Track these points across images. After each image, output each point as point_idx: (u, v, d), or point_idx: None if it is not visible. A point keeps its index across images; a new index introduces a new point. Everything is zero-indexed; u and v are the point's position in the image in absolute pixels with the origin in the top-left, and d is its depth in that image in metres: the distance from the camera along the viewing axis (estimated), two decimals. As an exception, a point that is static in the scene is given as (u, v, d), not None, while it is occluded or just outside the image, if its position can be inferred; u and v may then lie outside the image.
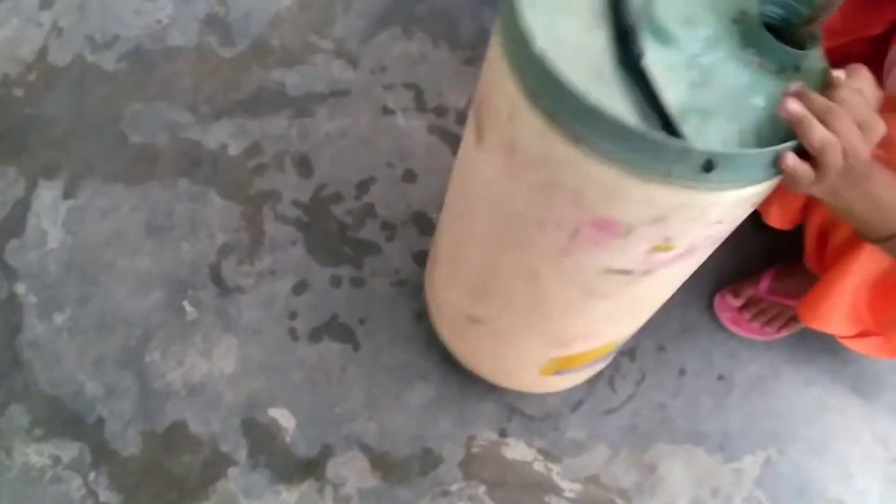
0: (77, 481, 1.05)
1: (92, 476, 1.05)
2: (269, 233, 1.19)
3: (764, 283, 1.12)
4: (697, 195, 0.58)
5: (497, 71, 0.63)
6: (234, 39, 1.35)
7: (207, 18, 1.37)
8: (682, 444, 1.09)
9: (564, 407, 1.10)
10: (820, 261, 0.94)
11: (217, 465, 1.06)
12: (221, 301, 1.15)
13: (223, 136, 1.26)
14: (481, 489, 1.05)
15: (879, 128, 0.55)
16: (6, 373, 1.10)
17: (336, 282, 1.16)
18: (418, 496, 1.04)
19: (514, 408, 1.09)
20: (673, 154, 0.54)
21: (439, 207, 0.92)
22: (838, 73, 0.55)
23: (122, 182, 1.23)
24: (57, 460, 1.06)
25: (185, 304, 1.15)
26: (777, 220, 0.97)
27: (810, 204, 0.93)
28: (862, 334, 0.95)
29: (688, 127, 0.55)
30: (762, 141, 0.56)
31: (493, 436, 1.08)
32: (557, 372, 0.97)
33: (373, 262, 1.18)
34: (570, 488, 1.06)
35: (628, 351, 1.13)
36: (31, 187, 1.22)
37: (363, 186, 1.23)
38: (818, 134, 0.52)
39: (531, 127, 0.60)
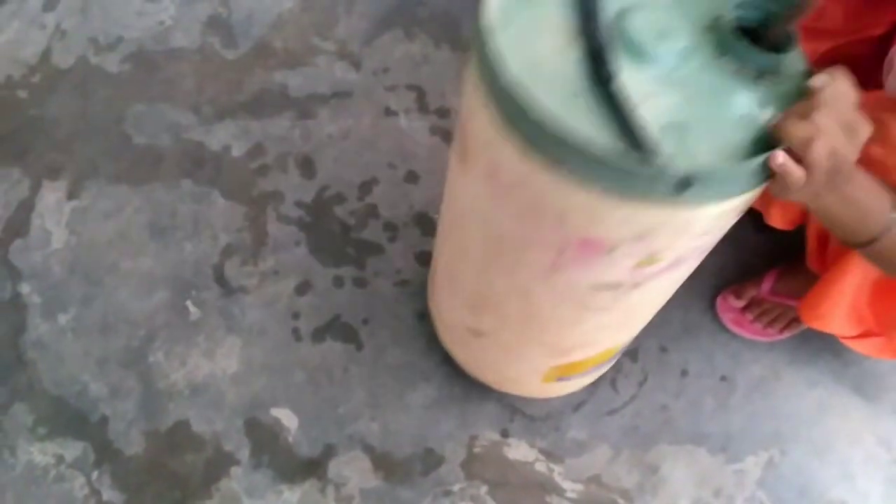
0: (80, 480, 1.05)
1: (95, 475, 1.05)
2: (272, 233, 1.20)
3: (766, 284, 1.12)
4: (678, 212, 0.58)
5: (473, 97, 0.63)
6: (236, 41, 1.35)
7: (210, 20, 1.37)
8: (684, 445, 1.09)
9: (566, 407, 1.10)
10: (821, 261, 0.94)
11: (220, 464, 1.06)
12: (225, 301, 1.15)
13: (226, 138, 1.27)
14: (483, 489, 1.05)
15: (863, 129, 0.54)
16: (10, 372, 1.10)
17: (339, 282, 1.17)
18: (420, 496, 1.05)
19: (515, 408, 1.10)
20: (647, 176, 0.54)
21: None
22: (818, 78, 0.55)
23: (126, 183, 1.23)
24: (60, 459, 1.06)
25: (189, 304, 1.15)
26: (778, 220, 0.97)
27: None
28: (864, 335, 0.95)
29: (665, 144, 0.55)
30: (742, 152, 0.56)
31: (495, 436, 1.08)
32: (559, 379, 0.98)
33: (375, 262, 1.18)
34: (571, 489, 1.06)
35: (630, 352, 1.13)
36: (35, 188, 1.23)
37: (365, 187, 1.23)
38: (802, 129, 0.52)
39: (509, 153, 0.60)
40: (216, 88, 1.31)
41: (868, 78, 0.78)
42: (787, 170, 0.53)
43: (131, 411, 1.09)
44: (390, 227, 1.20)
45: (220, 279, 1.17)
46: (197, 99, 1.30)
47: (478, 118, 0.63)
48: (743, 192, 0.58)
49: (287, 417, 1.09)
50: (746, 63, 0.58)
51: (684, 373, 1.13)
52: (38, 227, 1.20)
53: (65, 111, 1.29)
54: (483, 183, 0.69)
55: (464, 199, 0.76)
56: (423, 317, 1.14)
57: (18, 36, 1.35)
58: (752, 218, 0.90)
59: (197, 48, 1.34)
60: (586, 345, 0.88)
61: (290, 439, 1.08)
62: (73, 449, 1.07)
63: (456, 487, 1.05)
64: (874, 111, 0.72)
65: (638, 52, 0.58)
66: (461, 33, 1.36)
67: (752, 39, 0.58)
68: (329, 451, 1.07)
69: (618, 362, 1.12)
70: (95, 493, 1.04)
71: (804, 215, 0.96)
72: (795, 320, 1.11)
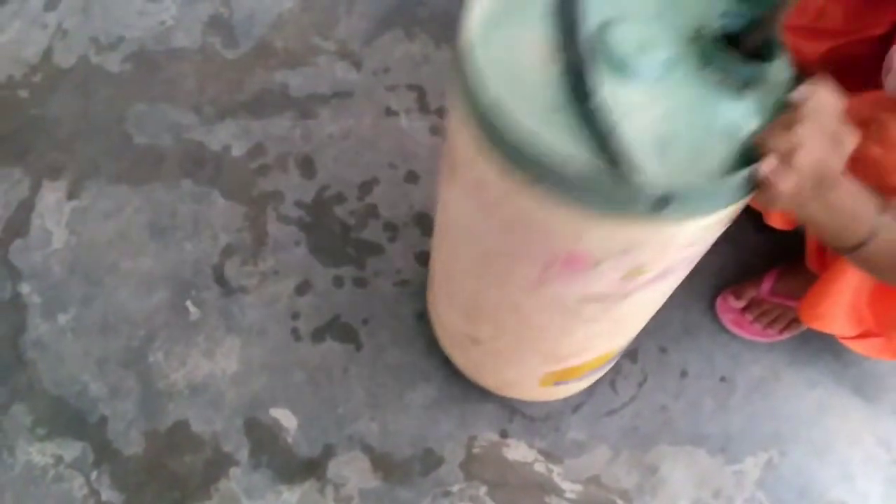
0: (79, 480, 1.05)
1: (94, 475, 1.05)
2: (272, 233, 1.20)
3: (766, 285, 1.12)
4: (661, 227, 0.58)
5: (456, 114, 0.63)
6: (237, 41, 1.35)
7: (211, 20, 1.37)
8: (684, 446, 1.09)
9: (565, 408, 1.10)
10: (821, 261, 0.94)
11: (219, 464, 1.06)
12: (224, 301, 1.15)
13: (227, 137, 1.27)
14: (482, 490, 1.05)
15: (849, 139, 0.54)
16: (10, 372, 1.10)
17: (339, 282, 1.17)
18: (419, 496, 1.05)
19: (515, 409, 1.10)
20: (625, 194, 0.54)
21: (441, 208, 0.92)
22: (800, 90, 0.54)
23: (126, 183, 1.23)
24: (59, 459, 1.06)
25: (189, 304, 1.15)
26: (778, 220, 0.97)
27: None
28: (863, 335, 0.95)
29: (646, 160, 0.54)
30: (725, 166, 0.55)
31: (495, 436, 1.08)
32: (557, 383, 0.98)
33: (375, 262, 1.18)
34: (570, 489, 1.06)
35: (630, 352, 1.13)
36: (36, 188, 1.23)
37: (366, 187, 1.23)
38: (785, 142, 0.52)
39: (491, 171, 0.60)
40: (217, 88, 1.31)
41: (868, 78, 0.78)
42: (771, 183, 0.52)
43: (131, 411, 1.09)
44: (390, 227, 1.20)
45: (220, 279, 1.17)
46: (198, 99, 1.30)
47: (461, 135, 0.63)
48: (728, 205, 0.58)
49: (286, 418, 1.09)
50: (730, 73, 0.57)
51: (684, 373, 1.13)
52: (38, 226, 1.20)
53: (66, 111, 1.29)
54: (469, 197, 0.69)
55: (453, 211, 0.76)
56: (423, 317, 1.14)
57: (20, 35, 1.35)
58: (751, 218, 0.90)
59: (198, 48, 1.35)
60: (581, 352, 0.88)
61: (290, 439, 1.07)
62: (73, 449, 1.07)
63: (455, 488, 1.05)
64: (873, 111, 0.72)
65: (619, 66, 0.57)
66: (461, 34, 1.36)
67: (737, 48, 0.57)
68: (328, 452, 1.07)
69: (617, 363, 1.12)
70: (94, 493, 1.04)
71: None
72: (795, 321, 1.10)
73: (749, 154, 0.55)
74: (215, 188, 1.23)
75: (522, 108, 0.56)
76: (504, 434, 1.09)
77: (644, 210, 0.54)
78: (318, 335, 1.14)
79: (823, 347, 1.13)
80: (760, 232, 1.06)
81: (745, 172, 0.53)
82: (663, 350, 1.14)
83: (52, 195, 1.22)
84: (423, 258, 1.18)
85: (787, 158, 0.52)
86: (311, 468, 1.06)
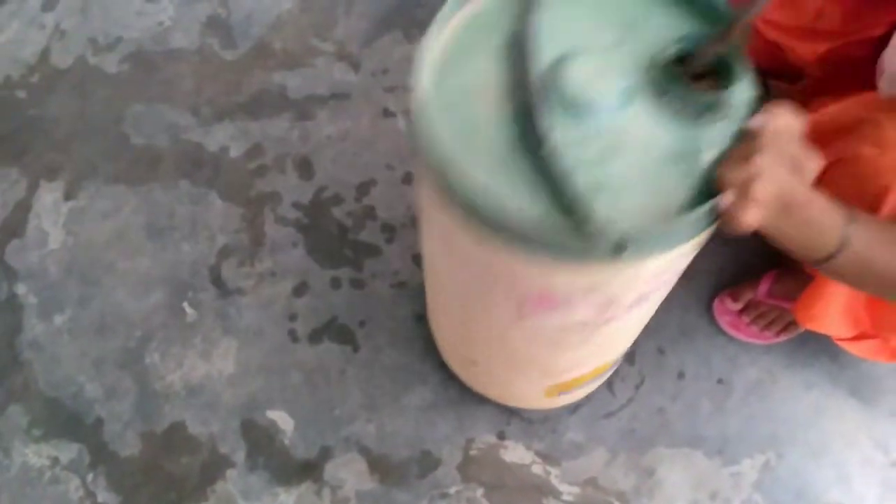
0: (75, 482, 1.05)
1: (90, 477, 1.05)
2: (269, 234, 1.20)
3: (763, 287, 1.12)
4: (621, 269, 0.57)
5: (417, 163, 0.62)
6: (235, 42, 1.35)
7: (209, 21, 1.37)
8: (681, 448, 1.09)
9: (563, 410, 1.10)
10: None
11: (216, 466, 1.06)
12: (221, 303, 1.15)
13: (224, 138, 1.27)
14: (479, 492, 1.05)
15: (810, 163, 0.53)
16: (6, 373, 1.10)
17: (336, 283, 1.17)
18: (416, 499, 1.04)
19: (512, 411, 1.09)
20: (581, 244, 0.53)
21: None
22: (756, 119, 0.53)
23: (124, 183, 1.23)
24: (55, 461, 1.06)
25: (186, 305, 1.15)
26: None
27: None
28: (859, 337, 0.95)
29: (601, 203, 0.53)
30: (684, 201, 0.54)
31: (492, 438, 1.08)
32: (561, 393, 0.99)
33: (373, 264, 1.18)
34: (568, 491, 1.06)
35: (627, 355, 1.13)
36: (33, 188, 1.22)
37: (363, 188, 1.23)
38: (743, 174, 0.51)
39: (452, 221, 0.59)
40: (215, 89, 1.31)
41: (866, 79, 0.78)
42: (732, 216, 0.52)
43: (127, 413, 1.09)
44: (388, 229, 1.20)
45: (217, 280, 1.16)
46: (195, 100, 1.30)
47: (422, 185, 0.62)
48: (690, 238, 0.56)
49: (283, 419, 1.08)
50: (688, 101, 0.56)
51: (681, 375, 1.13)
52: (34, 227, 1.20)
53: (63, 111, 1.29)
54: (438, 243, 0.69)
55: (428, 250, 0.76)
56: (421, 319, 1.14)
57: (18, 36, 1.35)
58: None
59: (196, 49, 1.34)
60: (576, 367, 0.88)
61: (287, 441, 1.07)
62: (69, 451, 1.06)
63: (452, 490, 1.05)
64: (868, 111, 0.72)
65: (573, 106, 0.56)
66: (460, 35, 1.36)
67: (695, 73, 0.56)
68: (325, 454, 1.07)
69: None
70: (90, 494, 1.04)
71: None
72: (792, 323, 1.10)
73: (710, 186, 0.53)
74: (213, 189, 1.23)
75: (475, 160, 0.54)
76: (501, 436, 1.08)
77: (603, 255, 0.53)
78: (315, 337, 1.13)
79: (820, 350, 1.13)
80: (757, 234, 1.05)
81: (704, 209, 0.52)
82: (661, 352, 1.14)
83: (49, 195, 1.22)
84: (421, 260, 1.18)
85: (745, 191, 0.51)
86: (307, 470, 1.06)
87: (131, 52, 1.34)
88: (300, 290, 1.16)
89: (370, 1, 1.38)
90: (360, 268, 1.18)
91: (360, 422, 1.08)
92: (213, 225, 1.20)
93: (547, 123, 0.54)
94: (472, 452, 1.07)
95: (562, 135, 0.55)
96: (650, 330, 0.95)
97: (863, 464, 1.09)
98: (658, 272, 0.62)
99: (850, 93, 0.78)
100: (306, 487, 1.05)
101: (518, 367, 0.89)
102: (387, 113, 1.29)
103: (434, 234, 0.69)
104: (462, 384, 1.09)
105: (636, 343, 1.06)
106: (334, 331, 1.14)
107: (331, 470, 1.06)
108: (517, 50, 0.58)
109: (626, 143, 0.56)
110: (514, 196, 0.54)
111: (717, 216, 0.53)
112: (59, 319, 1.14)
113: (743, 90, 0.56)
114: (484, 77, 0.58)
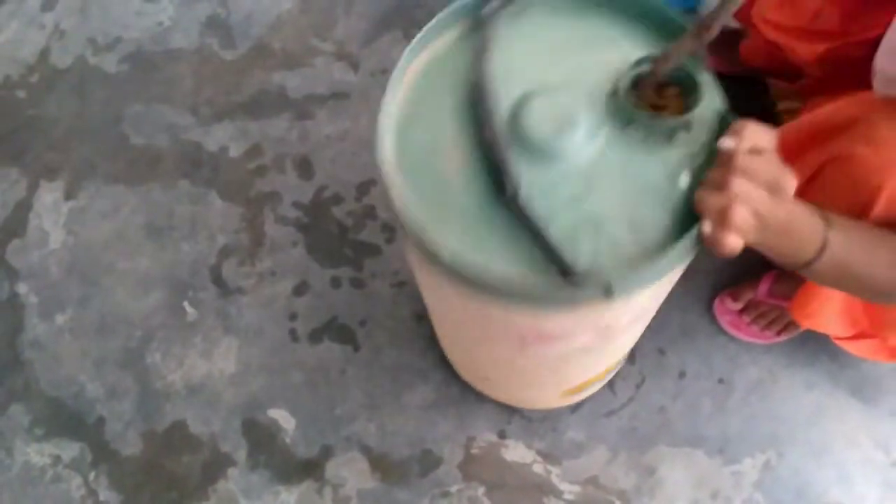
0: (77, 481, 1.05)
1: (92, 476, 1.05)
2: (269, 234, 1.20)
3: (763, 287, 1.12)
4: (611, 305, 0.56)
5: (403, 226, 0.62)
6: (235, 42, 1.35)
7: (209, 21, 1.37)
8: (682, 447, 1.09)
9: (564, 409, 1.10)
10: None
11: (217, 465, 1.06)
12: (222, 302, 1.15)
13: (224, 138, 1.27)
14: (480, 490, 1.05)
15: (787, 181, 0.52)
16: (7, 373, 1.10)
17: (336, 283, 1.17)
18: (417, 497, 1.04)
19: (513, 409, 1.09)
20: (566, 294, 0.52)
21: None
22: (726, 140, 0.52)
23: (123, 183, 1.23)
24: (57, 460, 1.06)
25: (186, 305, 1.15)
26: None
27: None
28: (858, 336, 0.95)
29: (583, 246, 0.52)
30: (663, 231, 0.53)
31: (493, 437, 1.08)
32: (574, 395, 1.01)
33: (373, 263, 1.18)
34: (569, 490, 1.06)
35: (628, 354, 1.13)
36: (33, 188, 1.22)
37: (363, 188, 1.23)
38: (719, 201, 0.51)
39: (439, 278, 0.59)
40: (214, 89, 1.31)
41: (866, 79, 0.78)
42: (713, 243, 0.52)
43: (128, 412, 1.09)
44: (388, 229, 1.20)
45: (218, 280, 1.17)
46: (195, 99, 1.30)
47: (407, 243, 0.62)
48: (677, 265, 0.56)
49: (284, 418, 1.09)
50: (651, 127, 0.55)
51: (682, 375, 1.13)
52: (35, 227, 1.20)
53: (63, 111, 1.29)
54: (430, 292, 0.69)
55: (425, 293, 0.76)
56: (421, 318, 1.14)
57: (17, 36, 1.35)
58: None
59: (195, 49, 1.34)
60: (587, 372, 0.89)
61: (288, 440, 1.07)
62: (70, 449, 1.06)
63: (453, 489, 1.05)
64: (863, 110, 0.72)
65: (538, 150, 0.54)
66: (460, 35, 1.36)
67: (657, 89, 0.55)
68: (326, 452, 1.07)
69: (615, 364, 1.12)
70: (92, 493, 1.04)
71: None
72: (792, 323, 1.10)
73: (690, 209, 0.53)
74: (212, 189, 1.23)
75: (448, 222, 0.54)
76: (502, 435, 1.09)
77: (591, 299, 0.53)
78: (315, 336, 1.13)
79: (821, 349, 1.13)
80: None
81: (686, 240, 0.52)
82: (661, 351, 1.14)
83: (49, 195, 1.22)
84: (421, 259, 1.18)
85: (723, 218, 0.51)
86: (309, 469, 1.06)
87: (131, 52, 1.34)
88: (300, 289, 1.16)
89: (370, 1, 1.38)
90: (360, 267, 1.18)
91: (361, 421, 1.09)
92: (213, 225, 1.20)
93: (515, 174, 0.53)
94: (473, 451, 1.07)
95: (532, 182, 0.53)
96: (651, 330, 0.95)
97: (863, 463, 1.09)
98: (651, 296, 0.62)
99: (846, 92, 0.78)
100: (307, 486, 1.05)
101: (530, 382, 0.90)
102: (387, 112, 1.29)
103: (425, 284, 0.70)
104: (463, 383, 1.09)
105: (637, 343, 1.06)
106: (334, 330, 1.14)
107: (332, 469, 1.06)
108: (475, 100, 0.56)
109: (599, 178, 0.55)
110: (494, 254, 0.53)
111: (699, 244, 0.53)
112: (60, 319, 1.14)
113: (709, 102, 0.56)
114: (447, 131, 0.57)
